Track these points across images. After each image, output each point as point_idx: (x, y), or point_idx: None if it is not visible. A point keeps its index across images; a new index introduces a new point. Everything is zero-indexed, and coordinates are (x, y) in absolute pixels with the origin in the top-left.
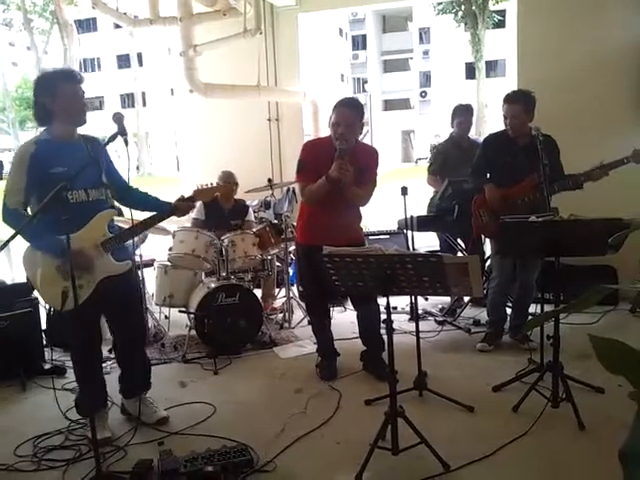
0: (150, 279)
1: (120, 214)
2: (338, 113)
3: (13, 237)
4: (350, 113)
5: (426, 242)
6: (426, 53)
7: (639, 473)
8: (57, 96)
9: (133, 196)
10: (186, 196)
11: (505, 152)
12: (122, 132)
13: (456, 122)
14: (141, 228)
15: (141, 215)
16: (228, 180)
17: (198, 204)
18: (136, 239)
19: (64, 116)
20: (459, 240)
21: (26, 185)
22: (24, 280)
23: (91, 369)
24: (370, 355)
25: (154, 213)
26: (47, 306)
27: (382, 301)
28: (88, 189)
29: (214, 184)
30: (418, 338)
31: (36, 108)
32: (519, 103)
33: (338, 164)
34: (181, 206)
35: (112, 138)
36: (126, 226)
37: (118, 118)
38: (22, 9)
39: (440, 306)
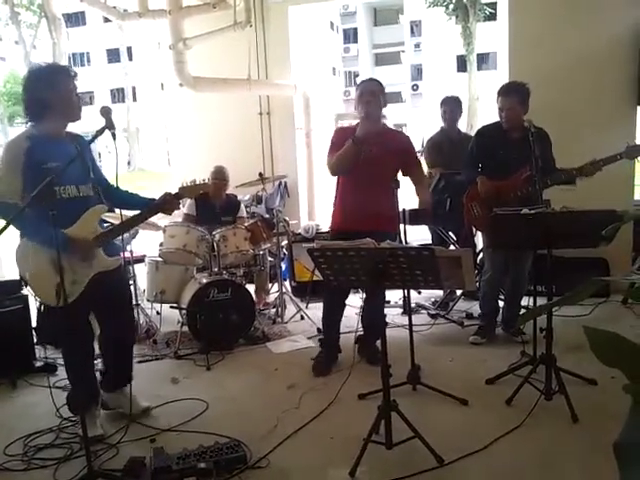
0: (141, 275)
1: (111, 210)
2: (361, 87)
3: (4, 229)
4: (372, 85)
5: (419, 235)
6: (417, 46)
7: (634, 466)
8: (56, 90)
9: (117, 195)
10: (172, 193)
11: (498, 144)
12: (110, 126)
13: (447, 113)
14: (130, 225)
15: (131, 213)
16: (218, 176)
17: (189, 200)
18: (127, 235)
19: (60, 111)
20: (451, 233)
21: (23, 183)
22: (14, 277)
23: (82, 365)
24: (367, 340)
25: (139, 211)
26: (37, 303)
27: None
28: (79, 185)
29: (205, 180)
30: (411, 332)
31: (29, 103)
32: (514, 95)
33: (364, 125)
34: (168, 203)
35: (100, 132)
36: (115, 222)
37: (106, 112)
38: (9, 2)
39: (433, 299)
